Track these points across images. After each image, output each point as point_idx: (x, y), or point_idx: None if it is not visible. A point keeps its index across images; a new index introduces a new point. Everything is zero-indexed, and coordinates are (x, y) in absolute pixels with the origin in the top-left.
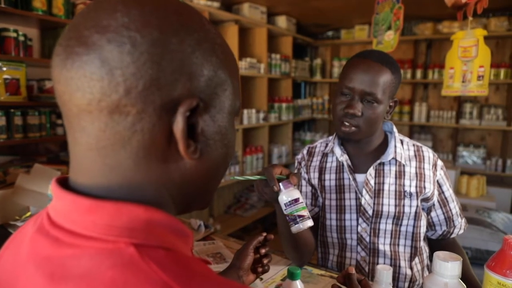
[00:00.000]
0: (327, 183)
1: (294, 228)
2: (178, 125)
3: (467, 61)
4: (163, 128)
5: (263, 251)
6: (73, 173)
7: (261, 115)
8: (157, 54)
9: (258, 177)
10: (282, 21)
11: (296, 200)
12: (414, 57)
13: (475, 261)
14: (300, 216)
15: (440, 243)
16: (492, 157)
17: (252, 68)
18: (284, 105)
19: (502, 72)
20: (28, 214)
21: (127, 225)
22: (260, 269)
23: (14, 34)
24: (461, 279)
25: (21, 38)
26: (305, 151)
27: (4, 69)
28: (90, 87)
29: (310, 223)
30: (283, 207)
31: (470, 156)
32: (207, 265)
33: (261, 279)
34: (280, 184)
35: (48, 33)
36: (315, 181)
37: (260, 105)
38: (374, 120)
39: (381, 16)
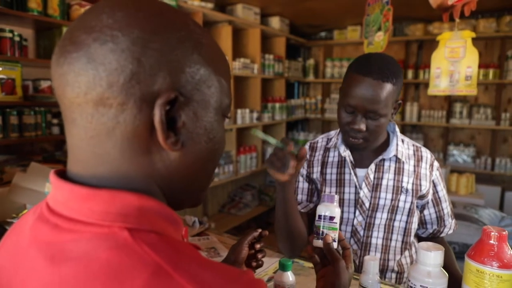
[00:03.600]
0: (327, 176)
1: (315, 242)
2: (156, 116)
3: (454, 61)
4: (145, 120)
5: (258, 246)
6: (70, 164)
7: (255, 115)
8: (137, 51)
9: (277, 142)
10: (275, 22)
11: (331, 218)
12: (406, 58)
13: (462, 255)
14: (323, 234)
15: (430, 241)
16: (482, 156)
17: (246, 69)
18: (277, 105)
19: (491, 72)
20: (25, 212)
21: (121, 211)
22: (254, 264)
23: (10, 35)
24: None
25: (17, 38)
26: (307, 147)
27: (0, 69)
28: (77, 82)
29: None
30: (317, 217)
31: (460, 155)
32: (196, 249)
33: (254, 272)
34: (326, 195)
35: (43, 33)
36: (317, 175)
37: (254, 105)
38: (379, 131)
39: (371, 17)
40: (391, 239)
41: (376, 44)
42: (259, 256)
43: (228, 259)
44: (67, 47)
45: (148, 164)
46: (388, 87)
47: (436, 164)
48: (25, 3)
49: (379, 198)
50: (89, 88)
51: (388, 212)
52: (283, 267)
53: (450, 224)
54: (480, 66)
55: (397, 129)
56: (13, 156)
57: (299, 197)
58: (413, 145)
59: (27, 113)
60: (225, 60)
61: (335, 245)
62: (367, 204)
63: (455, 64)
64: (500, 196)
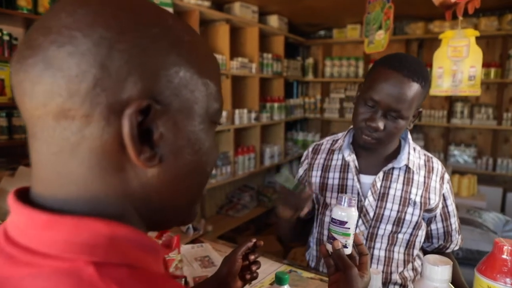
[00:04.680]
0: (330, 181)
1: (327, 245)
2: (124, 128)
3: (457, 61)
4: (114, 133)
5: (252, 257)
6: (33, 183)
7: (253, 115)
8: (100, 54)
9: (295, 187)
10: (273, 21)
11: (343, 223)
12: None
13: (466, 261)
14: (334, 239)
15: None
16: (483, 156)
17: (244, 68)
18: (276, 104)
19: (492, 71)
20: None
21: (88, 242)
22: (248, 276)
23: None
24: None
25: (6, 38)
26: (310, 149)
27: None
28: (35, 91)
29: (346, 251)
30: (330, 219)
31: (461, 155)
32: (176, 282)
33: (250, 283)
34: (346, 197)
35: None
36: (316, 179)
37: (252, 105)
38: (396, 134)
39: (372, 15)
40: (393, 251)
41: (377, 43)
42: (254, 268)
43: (220, 272)
44: (24, 52)
45: (121, 184)
46: (416, 88)
47: (447, 176)
48: (14, 1)
49: (384, 208)
50: (47, 98)
51: (393, 224)
52: (279, 281)
53: (457, 240)
54: (481, 66)
55: (410, 137)
56: (2, 159)
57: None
58: (425, 154)
59: (16, 115)
60: (213, 59)
61: (348, 250)
62: (371, 214)
63: (458, 63)
64: (502, 197)
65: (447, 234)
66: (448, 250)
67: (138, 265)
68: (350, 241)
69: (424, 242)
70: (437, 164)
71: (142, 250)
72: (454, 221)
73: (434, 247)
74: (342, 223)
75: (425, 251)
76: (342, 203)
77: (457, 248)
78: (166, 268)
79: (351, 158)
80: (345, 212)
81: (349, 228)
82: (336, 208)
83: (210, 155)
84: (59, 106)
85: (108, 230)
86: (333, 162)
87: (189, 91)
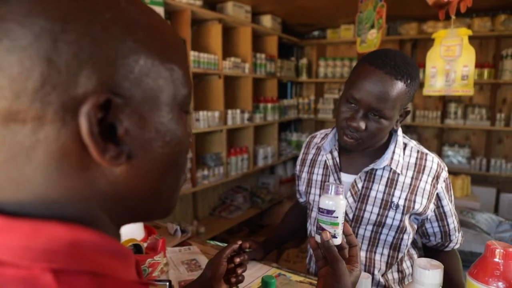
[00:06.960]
0: (314, 177)
1: (316, 237)
2: (82, 127)
3: (450, 60)
4: (72, 134)
5: (237, 260)
6: None
7: (246, 115)
8: (44, 48)
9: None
10: (267, 20)
11: (330, 212)
12: None
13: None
14: (323, 229)
15: (441, 255)
16: (477, 157)
17: (237, 68)
18: (269, 105)
19: (486, 72)
20: None
21: (46, 247)
22: (233, 280)
23: None
24: None
25: None
26: (304, 144)
27: None
28: None
29: (336, 241)
30: (318, 209)
31: (455, 156)
32: None
33: (236, 287)
34: (333, 185)
35: None
36: (305, 174)
37: (245, 105)
38: (378, 134)
39: (364, 14)
40: (375, 252)
41: (369, 42)
42: (239, 271)
43: (204, 275)
44: None
45: (85, 185)
46: (399, 86)
47: (443, 175)
48: None
49: (364, 210)
50: None
51: (374, 225)
52: (266, 285)
53: (457, 238)
54: (475, 66)
55: (400, 133)
56: None
57: (301, 188)
58: (418, 151)
59: None
60: (177, 41)
61: (337, 240)
62: (350, 215)
63: (451, 63)
64: (495, 197)
65: (445, 234)
66: (447, 249)
67: (103, 273)
68: (339, 231)
69: (422, 238)
70: (430, 163)
71: (108, 256)
72: (452, 221)
73: (433, 243)
74: (330, 212)
75: (425, 247)
76: (329, 191)
77: (457, 246)
78: (139, 273)
79: (329, 156)
80: (333, 200)
81: (337, 217)
82: (323, 197)
83: (183, 145)
84: (5, 109)
85: (69, 235)
86: (319, 157)
87: (152, 79)
